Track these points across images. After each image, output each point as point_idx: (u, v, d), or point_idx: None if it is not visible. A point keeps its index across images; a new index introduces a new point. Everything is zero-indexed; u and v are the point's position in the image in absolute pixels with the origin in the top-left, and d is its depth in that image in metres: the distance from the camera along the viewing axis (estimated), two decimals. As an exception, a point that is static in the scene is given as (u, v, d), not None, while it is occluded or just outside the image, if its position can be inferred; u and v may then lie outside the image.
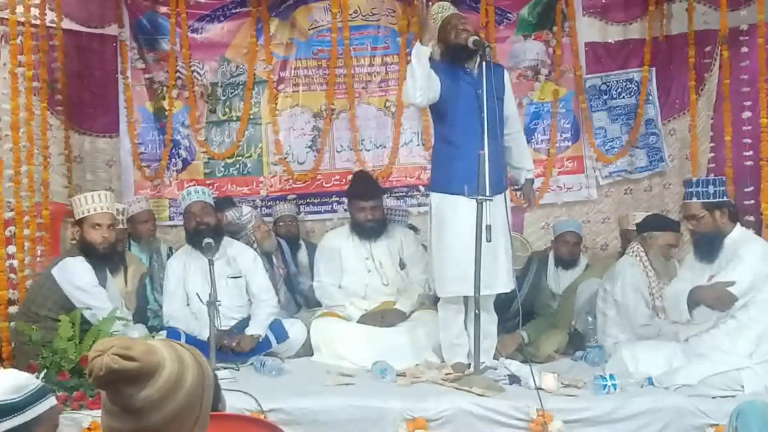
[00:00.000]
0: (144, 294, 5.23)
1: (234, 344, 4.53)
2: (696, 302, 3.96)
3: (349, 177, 6.38)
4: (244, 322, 4.76)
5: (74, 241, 4.44)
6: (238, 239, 5.14)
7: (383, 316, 4.85)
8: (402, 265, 5.09)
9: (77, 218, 4.33)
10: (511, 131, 4.36)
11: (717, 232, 4.03)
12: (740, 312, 3.93)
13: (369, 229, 5.05)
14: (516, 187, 5.07)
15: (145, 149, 6.49)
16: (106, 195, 4.42)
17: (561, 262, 5.71)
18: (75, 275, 4.21)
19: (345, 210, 6.36)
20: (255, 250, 5.11)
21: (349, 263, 5.08)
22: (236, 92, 6.51)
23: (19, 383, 2.02)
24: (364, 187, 5.15)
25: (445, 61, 4.20)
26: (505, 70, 4.48)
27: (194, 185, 6.08)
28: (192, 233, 4.78)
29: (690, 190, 4.10)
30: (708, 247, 4.06)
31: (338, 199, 6.43)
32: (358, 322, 4.87)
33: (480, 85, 4.01)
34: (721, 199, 4.04)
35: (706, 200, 4.01)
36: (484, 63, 4.00)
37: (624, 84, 6.36)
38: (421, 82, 3.97)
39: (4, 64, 4.93)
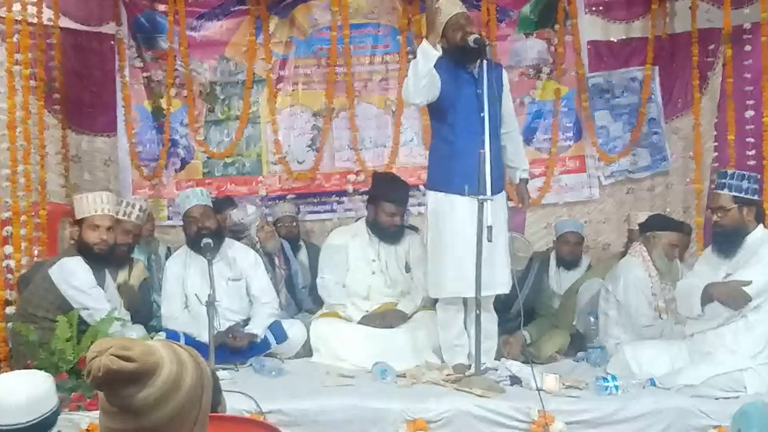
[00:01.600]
0: (148, 297, 5.18)
1: (229, 337, 4.48)
2: (710, 298, 3.92)
3: (350, 176, 6.37)
4: (244, 324, 4.72)
5: (73, 241, 4.41)
6: (241, 239, 5.10)
7: (384, 317, 4.81)
8: (408, 268, 5.02)
9: (77, 218, 4.30)
10: (507, 130, 4.32)
11: (740, 228, 3.98)
12: (752, 313, 3.89)
13: (391, 234, 4.95)
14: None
15: (143, 148, 6.45)
16: (107, 196, 4.39)
17: (563, 263, 5.69)
18: (72, 275, 4.18)
19: (345, 210, 6.35)
20: (258, 250, 5.07)
21: (354, 263, 5.01)
22: (235, 91, 6.47)
23: (45, 387, 2.03)
24: (399, 192, 4.97)
25: (447, 58, 4.14)
26: (503, 69, 4.45)
27: (192, 185, 6.07)
28: (193, 237, 4.73)
29: (723, 181, 4.03)
30: (728, 241, 4.03)
31: (338, 198, 6.41)
32: (358, 323, 4.83)
33: (480, 84, 3.99)
34: (751, 197, 4.00)
35: (737, 194, 3.96)
36: (484, 62, 3.97)
37: (626, 82, 6.31)
38: (424, 81, 3.94)
39: (1, 63, 4.92)
